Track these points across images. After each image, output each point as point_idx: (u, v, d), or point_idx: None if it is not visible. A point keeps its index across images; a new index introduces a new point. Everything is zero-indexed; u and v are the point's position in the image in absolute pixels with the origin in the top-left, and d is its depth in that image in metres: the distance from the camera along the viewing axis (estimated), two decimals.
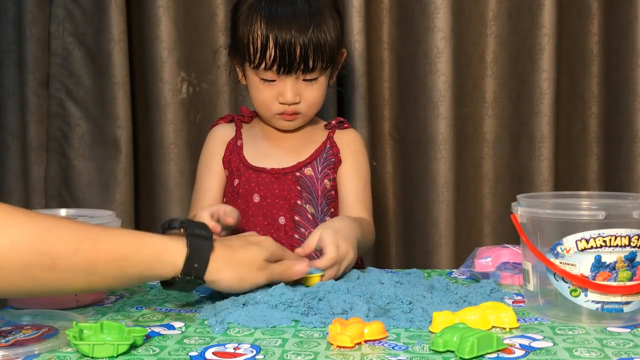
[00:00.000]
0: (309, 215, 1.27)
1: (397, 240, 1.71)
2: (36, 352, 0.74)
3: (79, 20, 1.59)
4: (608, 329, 0.82)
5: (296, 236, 1.25)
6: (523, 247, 0.90)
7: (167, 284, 0.88)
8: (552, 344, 0.77)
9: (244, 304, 0.89)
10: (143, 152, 1.67)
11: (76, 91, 1.60)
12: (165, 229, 0.92)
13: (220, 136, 1.35)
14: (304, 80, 1.25)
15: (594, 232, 0.82)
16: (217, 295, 0.95)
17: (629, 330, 0.82)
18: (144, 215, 1.67)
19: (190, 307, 0.94)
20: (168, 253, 0.84)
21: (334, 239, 1.05)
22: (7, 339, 0.79)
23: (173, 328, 0.84)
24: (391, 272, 1.10)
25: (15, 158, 1.64)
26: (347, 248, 1.06)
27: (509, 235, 1.57)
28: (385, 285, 0.92)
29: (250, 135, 1.34)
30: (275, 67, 1.22)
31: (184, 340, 0.79)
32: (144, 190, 1.69)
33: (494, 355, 0.73)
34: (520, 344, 0.76)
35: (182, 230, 0.89)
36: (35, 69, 1.59)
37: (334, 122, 1.36)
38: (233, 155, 1.32)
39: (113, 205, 1.58)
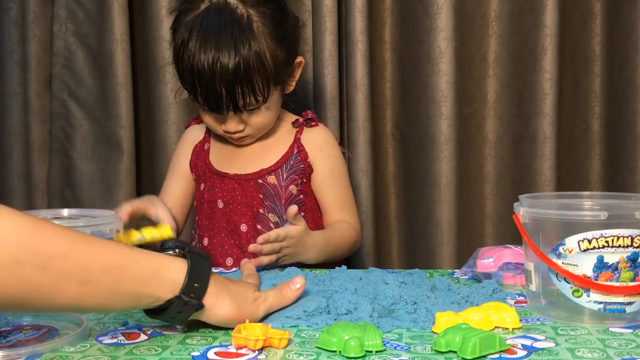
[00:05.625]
0: (272, 224, 1.26)
1: (399, 241, 1.71)
2: (39, 351, 0.74)
3: (82, 20, 1.59)
4: (610, 329, 0.82)
5: None
6: (525, 247, 0.90)
7: (156, 312, 0.78)
8: (554, 345, 0.76)
9: None
10: (145, 152, 1.68)
11: (78, 91, 1.60)
12: (158, 250, 0.82)
13: (190, 139, 1.36)
14: (246, 110, 1.20)
15: (597, 233, 0.82)
16: None
17: (631, 330, 0.82)
18: None
19: None
20: (167, 268, 0.76)
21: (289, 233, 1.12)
22: (7, 339, 0.79)
23: (175, 328, 0.84)
24: (393, 272, 1.10)
25: (17, 158, 1.65)
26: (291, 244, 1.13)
27: (511, 235, 1.57)
28: (390, 286, 0.91)
29: (217, 138, 1.33)
30: (207, 107, 1.20)
31: (186, 340, 0.79)
32: (146, 190, 1.68)
33: (496, 355, 0.73)
34: (522, 345, 0.76)
35: (177, 251, 0.81)
36: (37, 69, 1.59)
37: (301, 119, 1.31)
38: (199, 159, 1.32)
39: (115, 206, 1.57)
